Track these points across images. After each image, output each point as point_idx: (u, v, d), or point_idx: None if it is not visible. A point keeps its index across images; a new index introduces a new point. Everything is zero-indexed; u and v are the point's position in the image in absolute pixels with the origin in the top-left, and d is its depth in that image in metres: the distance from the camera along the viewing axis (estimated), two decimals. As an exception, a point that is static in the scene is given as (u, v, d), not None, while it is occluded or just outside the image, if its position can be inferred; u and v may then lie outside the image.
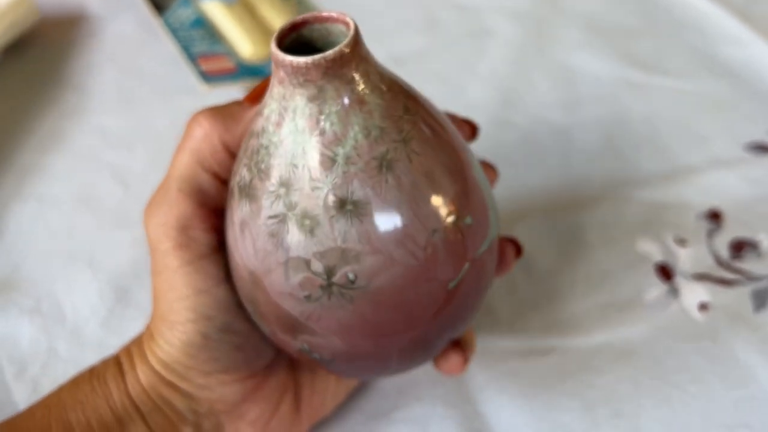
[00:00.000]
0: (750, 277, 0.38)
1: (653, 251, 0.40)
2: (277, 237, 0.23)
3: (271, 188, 0.23)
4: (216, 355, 0.27)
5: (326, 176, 0.23)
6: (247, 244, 0.24)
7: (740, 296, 0.38)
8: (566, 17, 0.58)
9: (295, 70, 0.22)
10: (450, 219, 0.24)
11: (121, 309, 0.39)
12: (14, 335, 0.38)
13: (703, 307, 0.37)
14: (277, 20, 0.55)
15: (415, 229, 0.24)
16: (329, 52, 0.22)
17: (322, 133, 0.23)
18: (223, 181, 0.27)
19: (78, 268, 0.41)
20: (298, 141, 0.23)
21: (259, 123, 0.24)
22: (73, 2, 0.59)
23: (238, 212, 0.25)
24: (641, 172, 0.45)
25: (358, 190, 0.23)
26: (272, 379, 0.30)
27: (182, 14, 0.55)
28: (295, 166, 0.23)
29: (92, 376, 0.28)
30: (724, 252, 0.40)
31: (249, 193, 0.24)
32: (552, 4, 0.59)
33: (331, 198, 0.23)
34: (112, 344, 0.36)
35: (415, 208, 0.24)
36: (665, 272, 0.39)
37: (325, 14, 0.24)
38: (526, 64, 0.54)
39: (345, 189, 0.23)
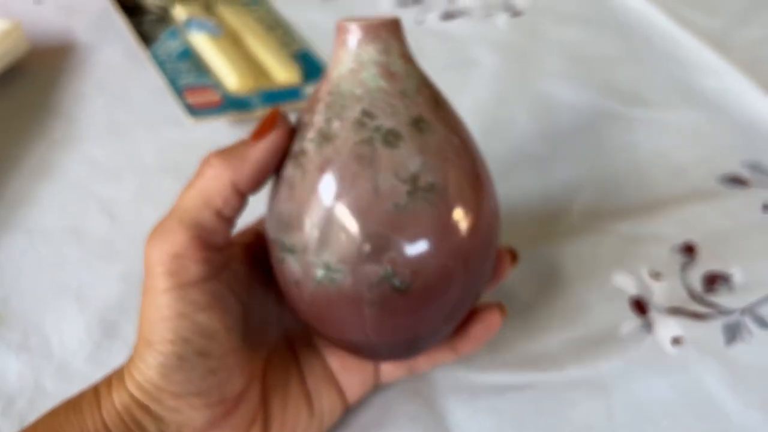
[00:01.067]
0: (721, 311, 0.39)
1: (628, 285, 0.41)
2: (364, 158, 0.28)
3: (355, 119, 0.28)
4: (190, 377, 0.28)
5: (402, 103, 0.29)
6: (329, 181, 0.28)
7: (712, 330, 0.39)
8: (547, 47, 0.59)
9: (370, 29, 0.29)
10: None
11: (108, 343, 0.39)
12: (1, 370, 0.38)
13: (676, 341, 0.38)
14: (263, 52, 0.56)
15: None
16: (390, 16, 0.30)
17: (393, 75, 0.29)
18: (226, 219, 0.29)
19: (66, 302, 0.42)
20: (375, 82, 0.29)
21: (329, 84, 0.29)
22: (62, 32, 0.60)
23: (317, 158, 0.28)
24: (619, 203, 0.46)
25: (425, 114, 0.29)
26: (242, 407, 0.30)
27: (170, 46, 0.55)
28: (375, 99, 0.29)
29: (68, 406, 0.30)
30: (698, 285, 0.41)
31: (330, 134, 0.28)
32: (534, 35, 0.60)
33: (407, 119, 0.29)
34: (99, 378, 0.37)
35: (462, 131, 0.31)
36: (640, 306, 0.40)
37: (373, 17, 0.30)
38: (508, 94, 0.55)
39: (416, 112, 0.29)
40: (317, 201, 0.28)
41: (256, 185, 0.29)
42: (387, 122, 0.28)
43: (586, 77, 0.56)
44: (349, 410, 0.35)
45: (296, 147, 0.29)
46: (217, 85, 0.53)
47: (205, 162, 0.29)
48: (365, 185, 0.28)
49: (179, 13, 0.58)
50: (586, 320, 0.39)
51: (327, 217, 0.28)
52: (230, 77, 0.53)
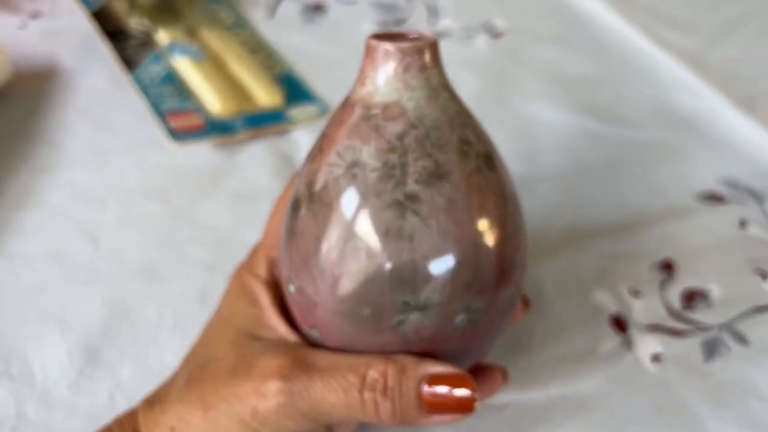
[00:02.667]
0: (700, 328, 0.40)
1: (608, 302, 0.41)
2: (481, 188, 0.27)
3: (458, 149, 0.27)
4: None
5: (471, 123, 0.28)
6: (458, 219, 0.27)
7: (691, 347, 0.39)
8: (527, 68, 0.60)
9: (434, 49, 0.28)
10: None
11: (91, 369, 0.39)
12: (-17, 398, 0.38)
13: (656, 358, 0.38)
14: (246, 74, 0.57)
15: None
16: (428, 35, 0.28)
17: (455, 98, 0.29)
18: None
19: (48, 328, 0.41)
20: (452, 107, 0.28)
21: (406, 117, 0.27)
22: (46, 57, 0.60)
23: (438, 200, 0.26)
24: (598, 222, 0.47)
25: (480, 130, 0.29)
26: None
27: (153, 70, 0.56)
28: (461, 125, 0.28)
29: None
30: (676, 302, 0.41)
31: (441, 171, 0.27)
32: (513, 56, 0.61)
33: (484, 140, 0.29)
34: (81, 406, 0.37)
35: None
36: (619, 324, 0.40)
37: (411, 31, 0.29)
38: (488, 115, 0.55)
39: (479, 130, 0.29)
40: (453, 244, 0.26)
41: None
42: (479, 147, 0.28)
43: (564, 97, 0.57)
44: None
45: (388, 197, 0.26)
46: (199, 109, 0.53)
47: (372, 400, 0.27)
48: (495, 213, 0.27)
49: (162, 37, 0.59)
50: (567, 338, 0.40)
51: (475, 254, 0.27)
52: (213, 101, 0.53)
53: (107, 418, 0.32)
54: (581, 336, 0.40)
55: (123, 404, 0.37)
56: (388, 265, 0.26)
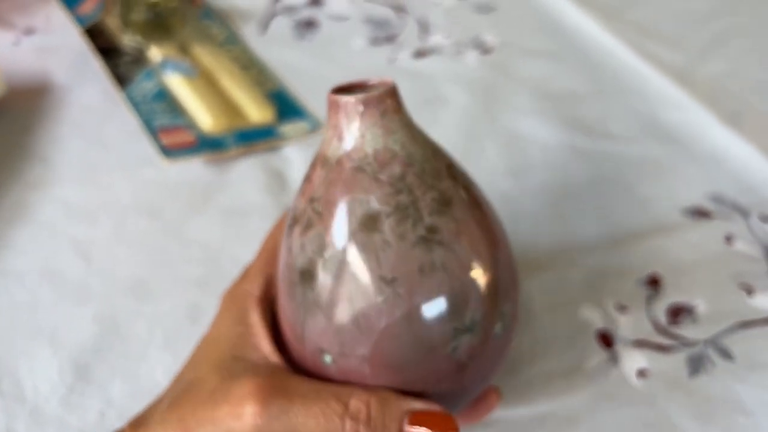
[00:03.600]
0: (685, 343, 0.40)
1: (595, 318, 0.42)
2: (481, 206, 0.30)
3: (449, 177, 0.29)
4: None
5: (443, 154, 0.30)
6: (483, 236, 0.29)
7: (676, 362, 0.39)
8: (516, 84, 0.61)
9: (395, 96, 0.28)
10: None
11: (81, 386, 0.39)
12: (-26, 416, 0.38)
13: (642, 373, 0.39)
14: (237, 91, 0.57)
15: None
16: (386, 81, 0.29)
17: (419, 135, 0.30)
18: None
19: (39, 344, 0.42)
20: (426, 145, 0.29)
21: (400, 160, 0.28)
22: (40, 74, 0.61)
23: (452, 225, 0.28)
24: (585, 237, 0.47)
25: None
26: None
27: (145, 87, 0.56)
28: (444, 158, 0.30)
29: None
30: (662, 318, 0.42)
31: (447, 198, 0.28)
32: (503, 72, 0.62)
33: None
34: (71, 423, 0.37)
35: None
36: (606, 339, 0.41)
37: (372, 79, 0.30)
38: (478, 131, 0.56)
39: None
40: (477, 259, 0.28)
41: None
42: (458, 168, 0.30)
43: (553, 112, 0.57)
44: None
45: (411, 236, 0.27)
46: (191, 125, 0.54)
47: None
48: (491, 220, 0.30)
49: (155, 54, 0.59)
50: (554, 354, 0.40)
51: (494, 262, 0.29)
52: (205, 118, 0.54)
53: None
54: (568, 352, 0.40)
55: (113, 421, 0.38)
56: (430, 301, 0.27)
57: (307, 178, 0.29)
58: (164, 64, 0.58)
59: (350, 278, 0.27)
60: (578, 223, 0.48)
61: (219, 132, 0.54)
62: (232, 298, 0.33)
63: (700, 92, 0.58)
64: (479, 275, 0.28)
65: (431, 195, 0.27)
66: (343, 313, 0.27)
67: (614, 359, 0.40)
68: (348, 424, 0.26)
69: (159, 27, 0.62)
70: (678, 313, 0.42)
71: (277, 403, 0.27)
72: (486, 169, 0.53)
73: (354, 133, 0.28)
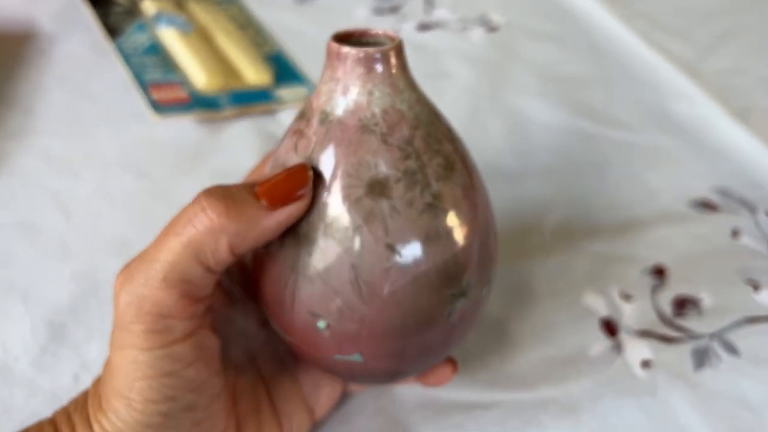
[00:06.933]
0: (691, 335, 0.39)
1: (599, 305, 0.40)
2: (474, 171, 0.28)
3: (447, 140, 0.27)
4: None
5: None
6: (479, 201, 0.28)
7: (681, 354, 0.38)
8: (522, 64, 0.59)
9: (400, 52, 0.26)
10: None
11: (55, 347, 0.37)
12: (-62, 372, 0.36)
13: (645, 364, 0.37)
14: (234, 50, 0.55)
15: None
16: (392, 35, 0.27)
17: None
18: (215, 272, 0.25)
19: (12, 301, 0.39)
20: (427, 105, 0.28)
21: (405, 119, 0.26)
22: (25, 20, 0.58)
23: (456, 190, 0.26)
24: (590, 223, 0.46)
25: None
26: None
27: (137, 39, 0.54)
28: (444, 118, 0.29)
29: None
30: (667, 309, 0.40)
31: (451, 164, 0.27)
32: (508, 51, 0.60)
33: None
34: (43, 385, 0.35)
35: None
36: (610, 328, 0.39)
37: (374, 29, 0.28)
38: (481, 109, 0.54)
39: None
40: (476, 225, 0.27)
41: (253, 249, 0.26)
42: (454, 131, 0.29)
43: (558, 96, 0.56)
44: (315, 426, 0.34)
45: (419, 203, 0.25)
46: (184, 82, 0.51)
47: (200, 206, 0.24)
48: (481, 183, 0.29)
49: (148, 6, 0.56)
50: (556, 340, 0.39)
51: (485, 226, 0.28)
52: (199, 75, 0.51)
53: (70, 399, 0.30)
54: (571, 338, 0.39)
55: (88, 385, 0.35)
56: (434, 268, 0.26)
57: (299, 132, 0.27)
58: (158, 18, 0.55)
59: (354, 245, 0.25)
60: (583, 207, 0.47)
61: (213, 91, 0.51)
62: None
63: (707, 86, 0.57)
64: (476, 241, 0.27)
65: (437, 161, 0.26)
66: (343, 280, 0.25)
67: (618, 348, 0.38)
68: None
69: (154, -21, 0.59)
70: (683, 304, 0.41)
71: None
72: (488, 149, 0.51)
73: (360, 89, 0.26)
